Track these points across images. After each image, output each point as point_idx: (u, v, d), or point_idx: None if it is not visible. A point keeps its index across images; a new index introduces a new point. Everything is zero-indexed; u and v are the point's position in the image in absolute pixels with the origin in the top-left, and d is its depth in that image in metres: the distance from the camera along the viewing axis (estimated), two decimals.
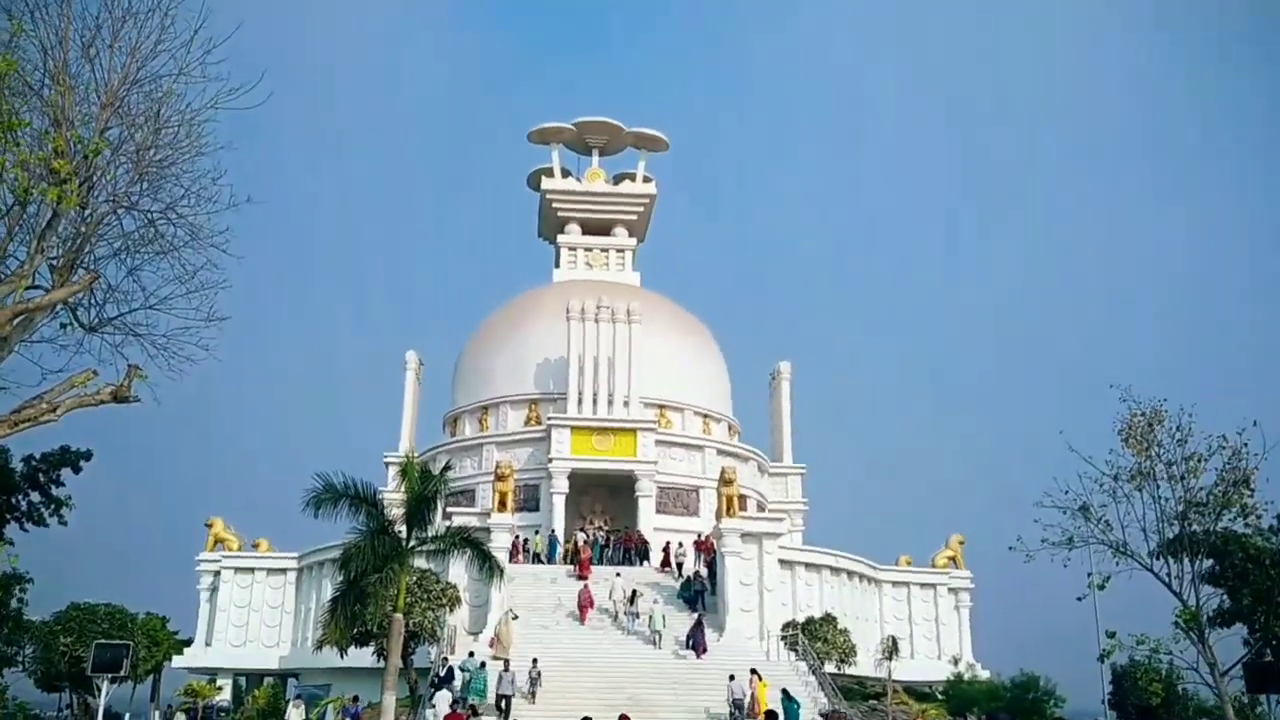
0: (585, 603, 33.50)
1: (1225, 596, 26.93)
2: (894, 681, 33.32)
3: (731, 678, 27.49)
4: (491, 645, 29.76)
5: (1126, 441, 22.65)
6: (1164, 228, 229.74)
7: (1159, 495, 22.40)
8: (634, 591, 34.33)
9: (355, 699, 28.23)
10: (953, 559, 46.90)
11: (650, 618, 32.11)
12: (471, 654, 29.17)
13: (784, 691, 26.91)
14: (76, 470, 23.27)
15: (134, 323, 20.05)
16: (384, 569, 23.80)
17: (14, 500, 22.24)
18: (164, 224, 20.24)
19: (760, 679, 27.31)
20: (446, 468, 27.19)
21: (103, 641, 22.68)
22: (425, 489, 25.03)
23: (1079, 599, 22.82)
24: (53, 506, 22.89)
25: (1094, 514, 23.40)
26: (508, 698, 25.96)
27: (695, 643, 31.11)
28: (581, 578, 35.99)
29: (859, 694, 31.78)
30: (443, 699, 26.11)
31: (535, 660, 27.70)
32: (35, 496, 22.64)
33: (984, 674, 41.16)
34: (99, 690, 21.37)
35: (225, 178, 19.18)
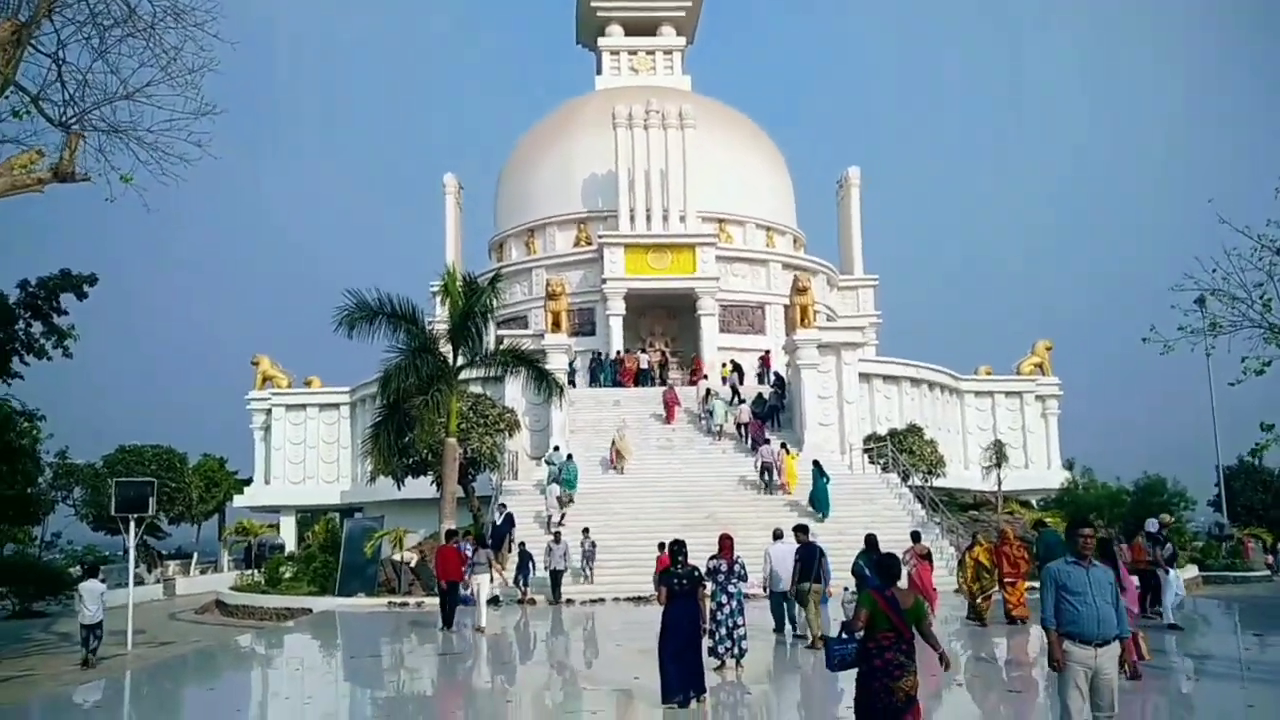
0: (671, 401, 33.12)
1: None
2: (993, 492, 30.84)
3: (767, 441, 28.67)
4: (613, 461, 29.56)
5: None
6: None
7: None
8: (707, 390, 33.48)
9: (452, 531, 24.82)
10: (1039, 366, 43.85)
11: (712, 412, 32.03)
12: (557, 448, 28.59)
13: (815, 464, 26.81)
14: (81, 296, 20.81)
15: (116, 122, 17.16)
16: (429, 391, 21.41)
17: (15, 330, 19.96)
18: None
19: (789, 453, 27.89)
20: (496, 278, 24.29)
21: (124, 479, 20.90)
22: (471, 303, 22.27)
23: (1231, 385, 19.52)
24: (55, 337, 20.61)
25: (1217, 300, 19.84)
26: (559, 573, 22.31)
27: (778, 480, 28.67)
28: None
29: (955, 506, 29.44)
30: (552, 492, 25.99)
31: (586, 530, 23.51)
32: (37, 327, 20.36)
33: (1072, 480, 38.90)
34: (127, 530, 19.63)
35: None
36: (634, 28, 51.87)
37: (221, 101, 16.60)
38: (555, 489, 26.19)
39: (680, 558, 10.12)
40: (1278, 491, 36.86)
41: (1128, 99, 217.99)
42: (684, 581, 9.94)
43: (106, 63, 17.13)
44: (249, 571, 32.91)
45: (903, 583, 7.43)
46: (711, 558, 11.98)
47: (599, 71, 52.08)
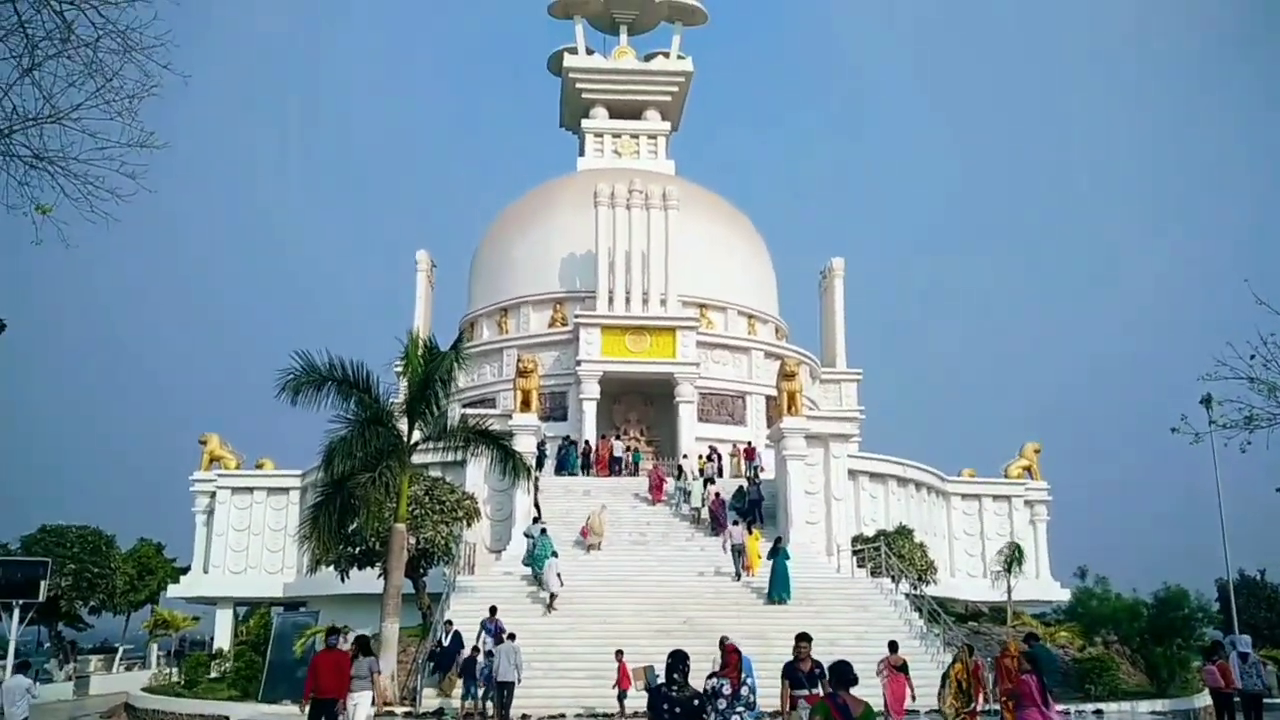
0: (656, 482, 32.21)
1: None
2: (986, 603, 28.42)
3: (735, 523, 27.81)
4: (584, 535, 28.10)
5: None
6: None
7: None
8: (680, 468, 32.80)
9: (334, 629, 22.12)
10: (1028, 469, 42.00)
11: (689, 492, 30.89)
12: (537, 518, 27.00)
13: (776, 540, 26.14)
14: None
15: (42, 148, 15.16)
16: (378, 468, 19.00)
17: None
18: (70, 11, 15.11)
19: (752, 534, 27.32)
20: (458, 342, 22.15)
21: (10, 559, 18.12)
22: (431, 369, 20.07)
23: (1279, 490, 17.65)
24: None
25: (1254, 391, 18.22)
26: (508, 685, 18.43)
27: (743, 562, 26.57)
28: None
29: (952, 616, 26.99)
30: (553, 567, 24.06)
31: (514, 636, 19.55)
32: None
33: (1063, 592, 36.75)
34: (7, 618, 16.84)
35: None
36: (619, 111, 51.22)
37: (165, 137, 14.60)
38: (556, 562, 24.19)
39: (677, 675, 7.73)
40: None
41: (1122, 177, 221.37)
42: (678, 711, 7.56)
43: (35, 84, 15.22)
44: (166, 670, 29.47)
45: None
46: (711, 675, 9.56)
47: (581, 153, 51.14)
